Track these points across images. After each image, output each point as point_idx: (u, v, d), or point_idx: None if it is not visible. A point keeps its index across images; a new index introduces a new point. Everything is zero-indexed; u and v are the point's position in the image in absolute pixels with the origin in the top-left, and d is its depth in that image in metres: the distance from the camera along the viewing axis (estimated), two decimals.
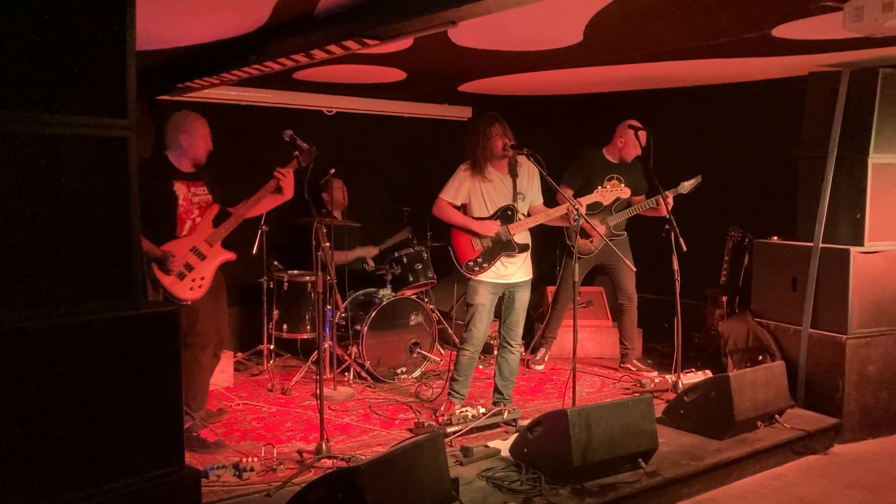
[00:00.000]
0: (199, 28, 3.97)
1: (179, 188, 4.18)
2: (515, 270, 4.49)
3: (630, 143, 5.55)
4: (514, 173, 4.49)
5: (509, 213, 4.47)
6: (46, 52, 2.13)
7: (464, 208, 4.52)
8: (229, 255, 4.33)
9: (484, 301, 4.46)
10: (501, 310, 4.58)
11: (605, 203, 4.80)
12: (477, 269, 4.42)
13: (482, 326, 4.50)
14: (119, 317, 2.22)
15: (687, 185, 5.43)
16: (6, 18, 2.04)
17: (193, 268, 4.14)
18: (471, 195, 4.47)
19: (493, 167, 4.46)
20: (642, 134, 5.37)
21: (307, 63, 4.16)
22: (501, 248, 4.44)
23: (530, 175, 4.54)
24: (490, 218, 4.45)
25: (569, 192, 4.72)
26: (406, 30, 3.33)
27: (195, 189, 4.26)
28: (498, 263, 4.44)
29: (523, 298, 4.56)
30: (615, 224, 5.67)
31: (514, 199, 4.48)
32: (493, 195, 4.47)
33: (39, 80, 2.13)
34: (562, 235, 5.87)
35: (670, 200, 5.20)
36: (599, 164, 5.66)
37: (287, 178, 4.25)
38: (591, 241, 5.68)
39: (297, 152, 4.27)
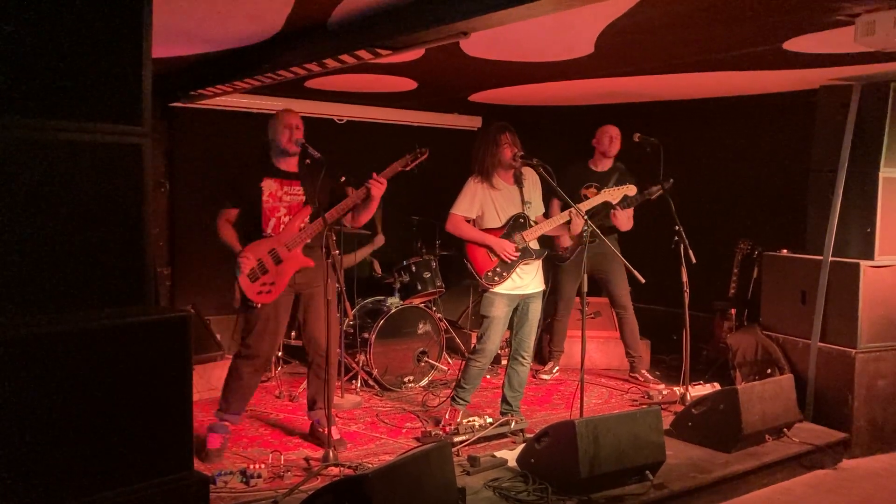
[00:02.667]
0: (214, 36, 4.00)
1: (268, 184, 4.11)
2: (530, 281, 4.50)
3: (601, 142, 5.62)
4: (519, 183, 4.51)
5: (521, 220, 4.48)
6: (63, 59, 2.15)
7: (474, 220, 4.53)
8: (307, 262, 4.14)
9: (499, 313, 4.45)
10: (514, 321, 4.57)
11: (615, 202, 4.81)
12: (497, 279, 4.42)
13: (496, 339, 4.50)
14: (129, 322, 2.23)
15: (654, 191, 5.24)
16: (23, 26, 2.07)
17: (268, 271, 4.04)
18: (483, 206, 4.48)
19: (499, 177, 4.47)
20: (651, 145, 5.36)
21: (319, 72, 4.19)
22: (519, 256, 4.45)
23: (534, 184, 4.58)
24: (502, 227, 4.46)
25: (556, 205, 4.72)
26: (418, 41, 3.36)
27: (287, 188, 4.17)
28: (515, 274, 4.43)
29: (536, 310, 4.55)
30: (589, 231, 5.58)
31: (523, 207, 4.50)
32: (504, 204, 4.48)
33: (55, 88, 2.15)
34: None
35: (618, 212, 5.15)
36: (577, 176, 5.65)
37: (383, 186, 4.08)
38: (566, 249, 5.67)
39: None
